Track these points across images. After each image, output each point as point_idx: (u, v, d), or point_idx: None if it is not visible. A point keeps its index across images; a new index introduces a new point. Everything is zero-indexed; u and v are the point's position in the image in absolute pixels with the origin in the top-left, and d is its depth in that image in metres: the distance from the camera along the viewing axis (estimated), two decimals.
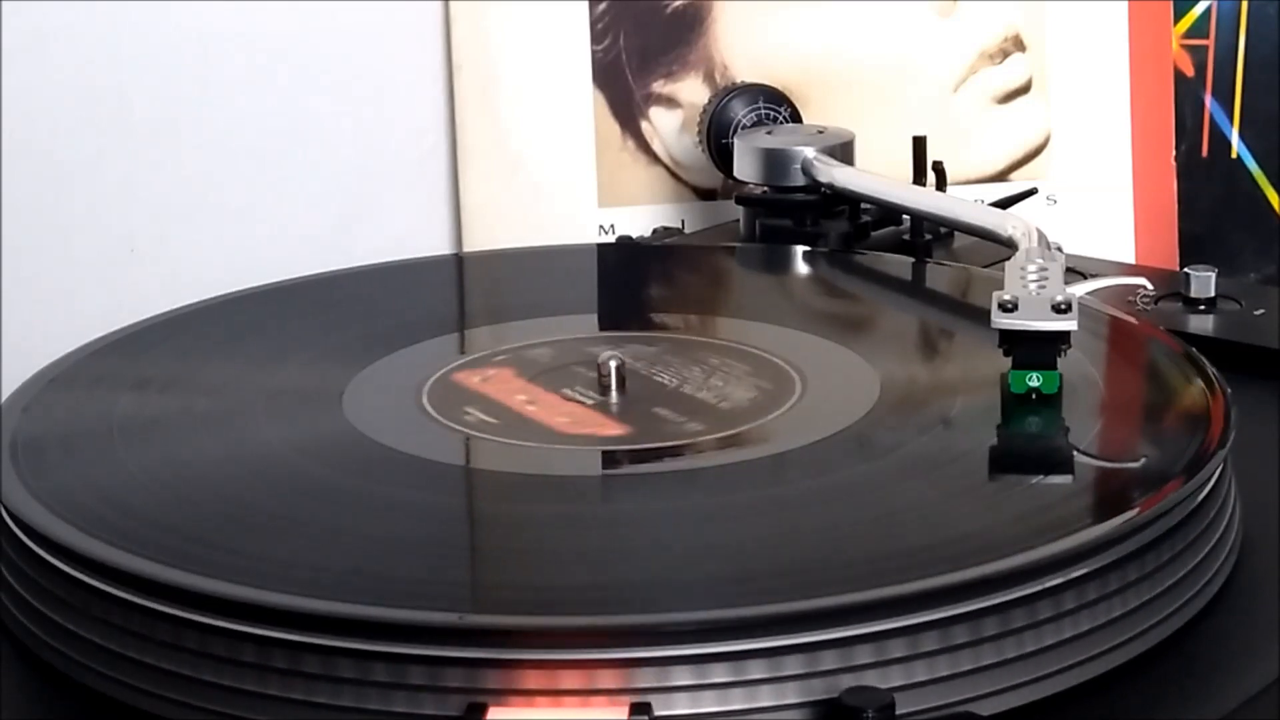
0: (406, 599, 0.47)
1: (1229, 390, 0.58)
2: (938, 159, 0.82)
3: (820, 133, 0.82)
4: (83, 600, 0.50)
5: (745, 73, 0.92)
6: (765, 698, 0.45)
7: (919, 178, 0.82)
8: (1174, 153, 0.95)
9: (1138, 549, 0.50)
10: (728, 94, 0.87)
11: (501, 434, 0.58)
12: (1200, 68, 0.95)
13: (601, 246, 0.86)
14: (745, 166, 0.82)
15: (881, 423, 0.58)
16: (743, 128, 0.86)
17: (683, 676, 0.45)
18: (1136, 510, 0.50)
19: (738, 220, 0.83)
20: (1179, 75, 0.95)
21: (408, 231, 0.94)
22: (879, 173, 0.79)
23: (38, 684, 0.50)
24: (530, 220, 0.93)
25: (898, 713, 0.44)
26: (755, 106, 0.87)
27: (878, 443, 0.57)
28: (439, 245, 0.95)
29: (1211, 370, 0.60)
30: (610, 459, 0.57)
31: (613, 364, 0.61)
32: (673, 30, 0.94)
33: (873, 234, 0.80)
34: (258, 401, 0.61)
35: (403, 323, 0.68)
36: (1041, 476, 0.55)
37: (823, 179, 0.79)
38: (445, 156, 0.95)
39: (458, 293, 0.78)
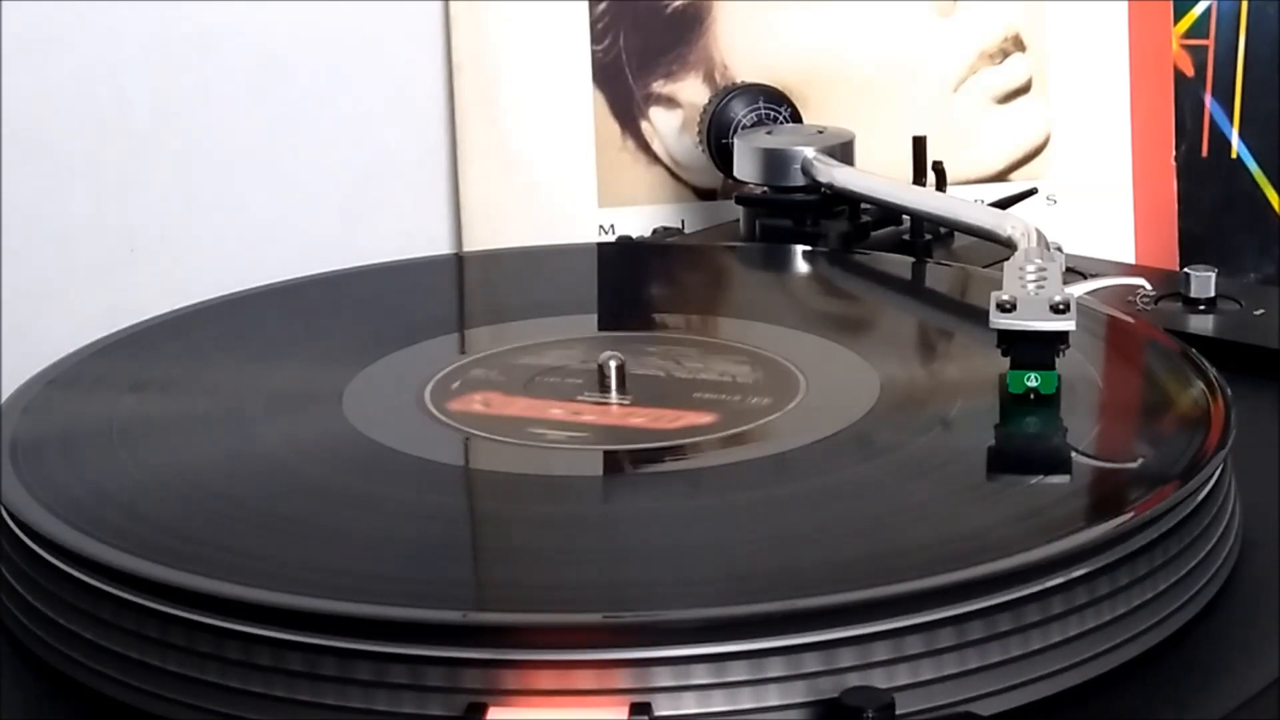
0: (407, 599, 0.47)
1: (1229, 391, 0.58)
2: (938, 159, 0.82)
3: (820, 133, 0.82)
4: (82, 600, 0.50)
5: (745, 73, 0.92)
6: (765, 697, 0.45)
7: (919, 178, 0.82)
8: (1174, 153, 0.95)
9: (1137, 549, 0.50)
10: (728, 94, 0.87)
11: (590, 443, 0.57)
12: (1200, 68, 0.95)
13: (601, 246, 0.86)
14: (745, 166, 0.82)
15: (881, 423, 0.58)
16: (743, 128, 0.86)
17: (682, 676, 0.45)
18: (1135, 511, 0.50)
19: (738, 220, 0.83)
20: (1179, 75, 0.95)
21: (408, 231, 0.94)
22: (879, 173, 0.79)
23: (38, 684, 0.50)
24: (530, 220, 0.93)
25: (898, 713, 0.44)
26: (755, 106, 0.87)
27: (878, 443, 0.57)
28: (439, 245, 0.95)
29: (1211, 370, 0.60)
30: (611, 459, 0.57)
31: (613, 364, 0.61)
32: (673, 30, 0.94)
33: (873, 234, 0.80)
34: (258, 401, 0.61)
35: (403, 323, 0.68)
36: (1040, 477, 0.55)
37: (823, 179, 0.79)
38: (445, 156, 0.95)
39: (458, 293, 0.78)
